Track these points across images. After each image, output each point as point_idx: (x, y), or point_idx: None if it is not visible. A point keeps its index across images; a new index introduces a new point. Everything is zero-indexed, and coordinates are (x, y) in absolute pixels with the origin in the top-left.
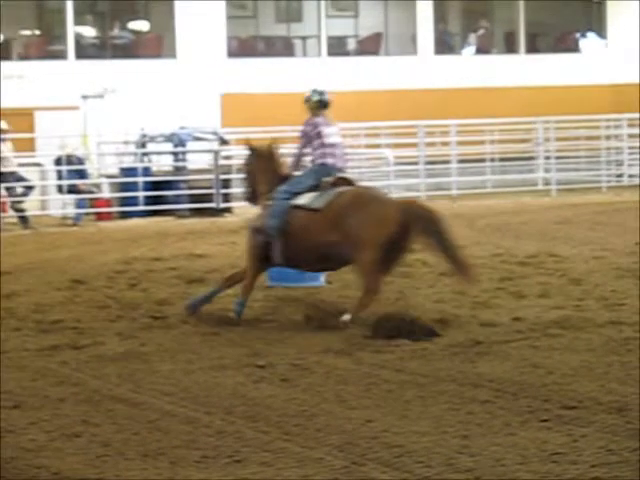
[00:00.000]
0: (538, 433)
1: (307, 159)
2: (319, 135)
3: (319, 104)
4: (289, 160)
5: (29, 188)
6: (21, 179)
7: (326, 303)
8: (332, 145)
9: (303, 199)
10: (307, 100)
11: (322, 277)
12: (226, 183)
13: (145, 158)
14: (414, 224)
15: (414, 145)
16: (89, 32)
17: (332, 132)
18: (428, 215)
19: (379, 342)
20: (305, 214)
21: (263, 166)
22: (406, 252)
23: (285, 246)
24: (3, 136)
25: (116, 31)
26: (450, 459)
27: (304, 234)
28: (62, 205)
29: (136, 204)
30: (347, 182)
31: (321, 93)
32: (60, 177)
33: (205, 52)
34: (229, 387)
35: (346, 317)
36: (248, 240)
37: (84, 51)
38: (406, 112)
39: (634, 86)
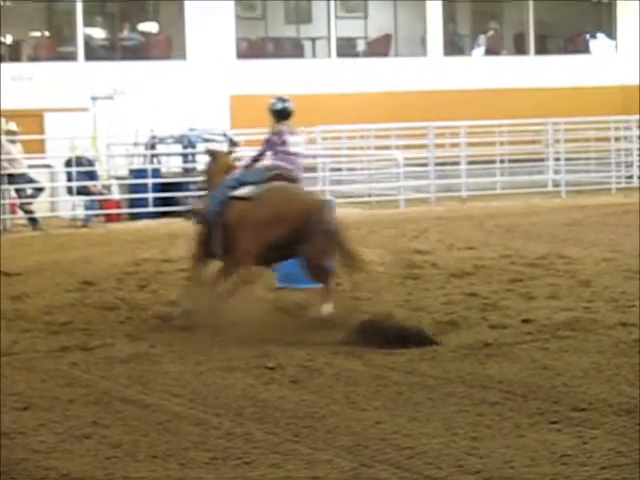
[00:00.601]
0: (548, 435)
1: (264, 163)
2: (284, 143)
3: (280, 113)
4: (245, 162)
5: (39, 190)
6: (31, 181)
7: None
8: (295, 154)
9: (240, 191)
10: (270, 108)
11: None
12: None
13: (154, 160)
14: (313, 229)
15: (424, 146)
16: (99, 34)
17: (296, 141)
18: (329, 222)
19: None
20: (238, 204)
21: (219, 170)
22: (302, 250)
23: (223, 236)
24: (13, 138)
25: (125, 32)
26: (460, 461)
27: (236, 224)
28: (72, 207)
29: (145, 205)
30: (287, 179)
31: (284, 102)
32: (70, 179)
33: (214, 53)
34: (238, 388)
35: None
36: (195, 229)
37: (94, 53)
38: (416, 113)
39: None
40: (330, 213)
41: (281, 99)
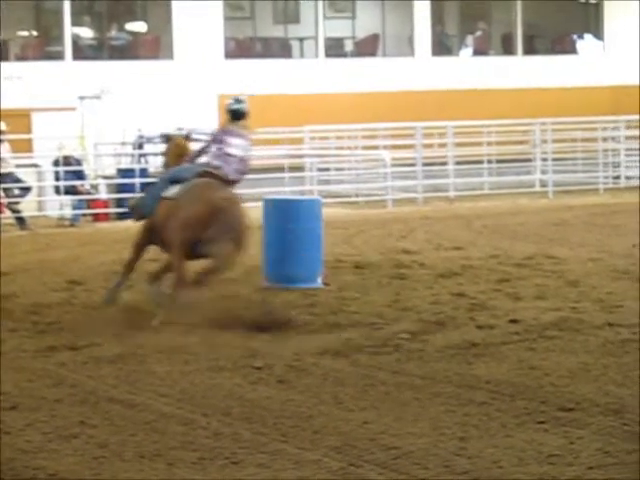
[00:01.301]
0: (535, 435)
1: (204, 159)
2: (222, 142)
3: (233, 113)
4: (191, 153)
5: (26, 189)
6: (18, 180)
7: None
8: (230, 155)
9: (169, 191)
10: (226, 107)
11: (319, 278)
12: None
13: (142, 159)
14: (222, 227)
15: (411, 147)
16: (86, 33)
17: (237, 144)
18: (235, 221)
19: (373, 344)
20: (164, 203)
21: (174, 154)
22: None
23: (160, 233)
24: (1, 137)
25: (113, 32)
26: (447, 461)
27: (162, 223)
28: (59, 206)
29: None
30: (215, 177)
31: (239, 102)
32: (57, 178)
33: (202, 53)
34: (226, 388)
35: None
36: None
37: (81, 52)
38: (403, 114)
39: (631, 88)
40: (239, 211)
41: (237, 99)
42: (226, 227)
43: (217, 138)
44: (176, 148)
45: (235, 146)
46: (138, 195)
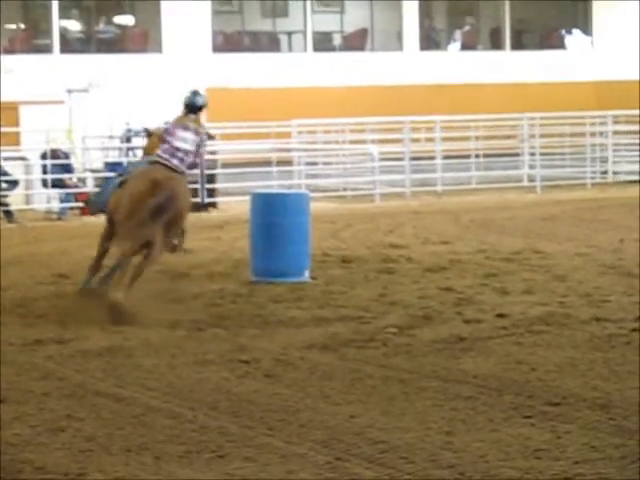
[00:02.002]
0: (521, 429)
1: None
2: (171, 135)
3: (188, 106)
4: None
5: (13, 183)
6: (5, 174)
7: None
8: (176, 148)
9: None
10: (183, 100)
11: (306, 272)
12: (211, 178)
13: (130, 153)
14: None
15: (399, 141)
16: (74, 26)
17: (184, 137)
18: (174, 196)
19: (360, 338)
20: (115, 193)
21: (154, 147)
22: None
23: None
24: None
25: (101, 25)
26: (433, 455)
27: (113, 210)
28: (47, 199)
29: None
30: (163, 165)
31: (195, 95)
32: (45, 171)
33: (190, 47)
34: (213, 382)
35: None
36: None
37: (69, 45)
38: (391, 108)
39: (619, 83)
40: (177, 190)
41: (195, 92)
42: (163, 205)
43: (168, 131)
44: (156, 143)
45: (183, 139)
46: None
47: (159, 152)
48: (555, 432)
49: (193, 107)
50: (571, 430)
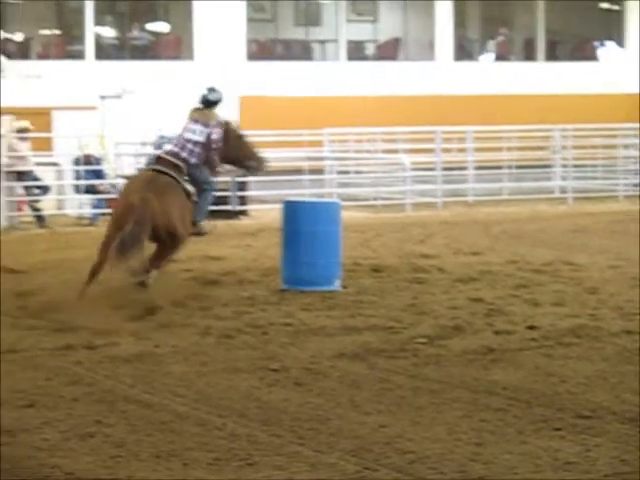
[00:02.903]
0: (551, 442)
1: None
2: (184, 129)
3: (201, 101)
4: None
5: (44, 189)
6: (36, 179)
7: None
8: (186, 140)
9: None
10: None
11: (337, 281)
12: (242, 186)
13: None
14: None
15: (431, 151)
16: (108, 32)
17: (193, 129)
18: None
19: (391, 348)
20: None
21: None
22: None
23: None
24: (24, 135)
25: (135, 32)
26: (463, 466)
27: None
28: (79, 205)
29: None
30: (165, 161)
31: (208, 91)
32: (77, 177)
33: (224, 54)
34: (243, 390)
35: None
36: None
37: (103, 51)
38: (423, 118)
39: None
40: (149, 211)
41: (209, 89)
42: (136, 231)
43: (183, 126)
44: None
45: (192, 131)
46: None
47: (170, 147)
48: (585, 445)
49: (205, 102)
50: (601, 443)
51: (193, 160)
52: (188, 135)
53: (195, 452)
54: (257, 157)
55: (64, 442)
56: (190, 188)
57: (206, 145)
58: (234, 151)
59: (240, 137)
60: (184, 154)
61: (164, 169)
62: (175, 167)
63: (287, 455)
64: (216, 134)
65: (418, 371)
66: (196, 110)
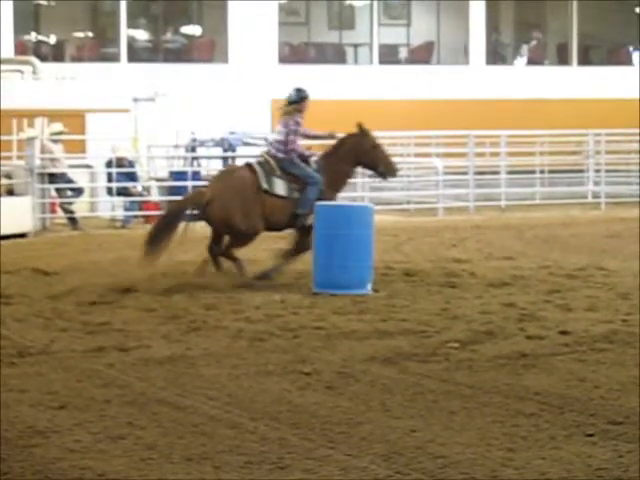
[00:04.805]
0: (583, 448)
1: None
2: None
3: (287, 98)
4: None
5: (77, 191)
6: (70, 181)
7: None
8: (276, 141)
9: None
10: None
11: (368, 285)
12: None
13: (195, 162)
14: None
15: (464, 155)
16: (142, 35)
17: (278, 130)
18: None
19: (422, 352)
20: None
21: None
22: None
23: None
24: (57, 137)
25: (169, 35)
26: (494, 471)
27: None
28: (111, 207)
29: None
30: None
31: (294, 90)
32: (110, 179)
33: (257, 57)
34: (274, 393)
35: None
36: None
37: (136, 54)
38: (456, 122)
39: None
40: (220, 201)
41: (295, 89)
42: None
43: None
44: None
45: (278, 132)
46: None
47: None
48: (617, 451)
49: (289, 101)
50: (633, 449)
51: (279, 156)
52: (275, 136)
53: (226, 455)
54: (389, 164)
55: (95, 444)
56: (277, 185)
57: (284, 141)
58: (368, 158)
59: (374, 146)
60: (272, 150)
61: (251, 164)
62: (264, 164)
63: (318, 459)
64: (293, 127)
65: (450, 376)
66: (283, 109)
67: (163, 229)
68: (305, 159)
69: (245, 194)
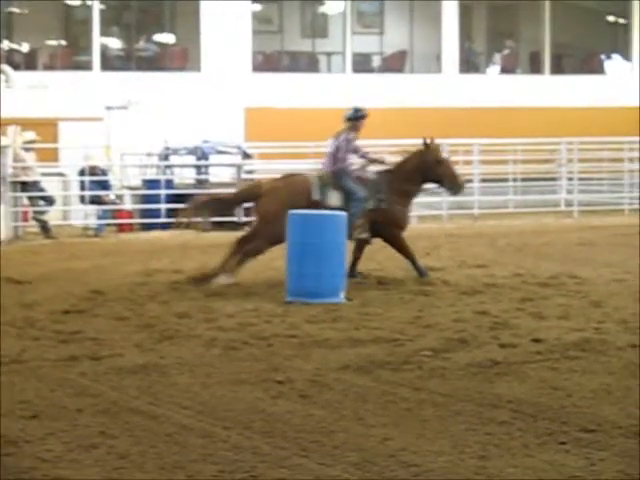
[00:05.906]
0: (556, 455)
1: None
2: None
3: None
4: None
5: (50, 200)
6: (42, 190)
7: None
8: (328, 154)
9: None
10: None
11: (341, 293)
12: None
13: (168, 170)
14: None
15: None
16: (115, 44)
17: (329, 144)
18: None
19: (395, 360)
20: None
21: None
22: None
23: None
24: (30, 146)
25: (142, 43)
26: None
27: None
28: (84, 216)
29: (158, 216)
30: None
31: (351, 110)
32: (83, 188)
33: (230, 66)
34: (247, 402)
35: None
36: None
37: (109, 62)
38: (429, 130)
39: None
40: (266, 198)
41: (353, 108)
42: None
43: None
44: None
45: (329, 146)
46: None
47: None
48: (590, 459)
49: (346, 118)
50: (606, 457)
51: (328, 169)
52: (327, 149)
53: (199, 464)
54: (454, 179)
55: (68, 453)
56: (331, 196)
57: (331, 155)
58: (433, 174)
59: (440, 161)
60: (324, 166)
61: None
62: (322, 176)
63: (291, 467)
64: (342, 144)
65: (423, 384)
66: (343, 126)
67: (213, 205)
68: (353, 176)
69: (295, 200)
